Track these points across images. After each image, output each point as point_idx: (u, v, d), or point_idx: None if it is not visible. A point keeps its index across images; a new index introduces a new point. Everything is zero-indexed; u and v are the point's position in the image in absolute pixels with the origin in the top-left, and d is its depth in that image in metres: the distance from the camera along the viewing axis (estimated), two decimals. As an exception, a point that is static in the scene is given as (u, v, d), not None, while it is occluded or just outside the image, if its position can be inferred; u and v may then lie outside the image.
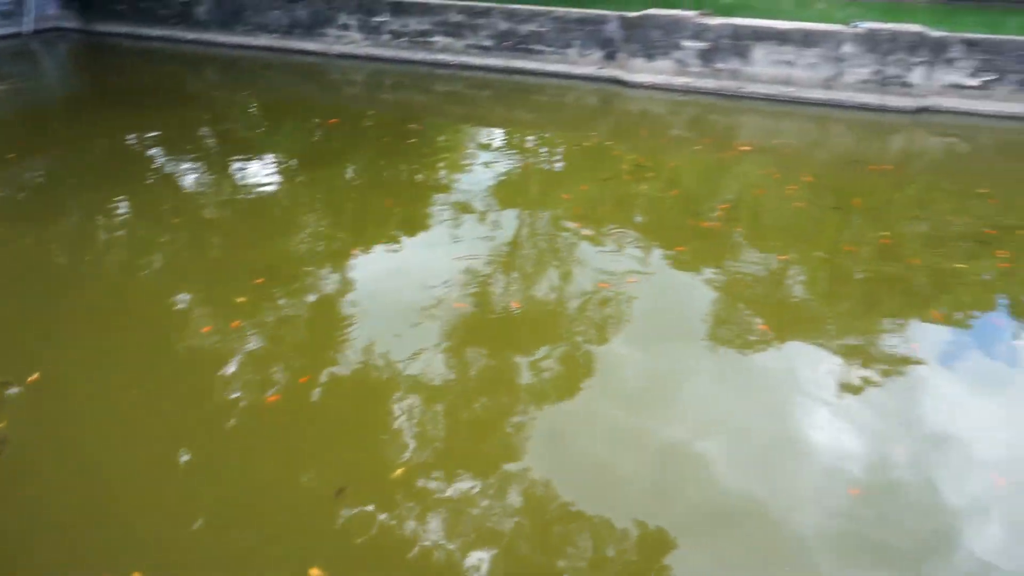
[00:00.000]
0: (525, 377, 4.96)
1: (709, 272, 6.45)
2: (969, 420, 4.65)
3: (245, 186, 8.31)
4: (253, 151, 9.53)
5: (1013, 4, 22.89)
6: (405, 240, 7.00)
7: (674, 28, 11.95)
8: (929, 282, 6.48)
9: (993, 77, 10.87)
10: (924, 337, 5.58)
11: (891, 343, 5.48)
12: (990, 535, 3.81)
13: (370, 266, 6.46)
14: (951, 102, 11.09)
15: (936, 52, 10.95)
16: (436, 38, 13.62)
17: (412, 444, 4.34)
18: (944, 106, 11.10)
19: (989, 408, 4.80)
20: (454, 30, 13.45)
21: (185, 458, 4.21)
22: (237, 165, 9.00)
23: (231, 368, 4.98)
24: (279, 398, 4.68)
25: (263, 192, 8.09)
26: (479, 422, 4.59)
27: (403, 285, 6.05)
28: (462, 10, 13.30)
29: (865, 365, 5.19)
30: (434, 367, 5.01)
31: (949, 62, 10.99)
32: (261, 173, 8.64)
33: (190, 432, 4.41)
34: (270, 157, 9.27)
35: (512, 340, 5.40)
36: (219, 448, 4.34)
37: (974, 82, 10.96)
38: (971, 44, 10.86)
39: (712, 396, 4.82)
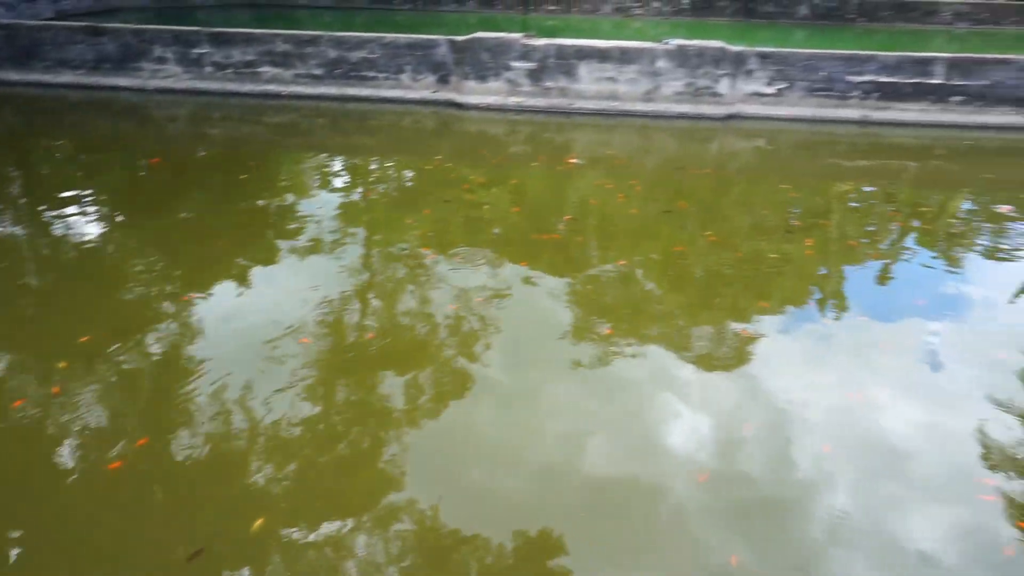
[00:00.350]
0: (389, 407, 4.89)
1: (558, 282, 6.70)
2: (800, 394, 5.13)
3: (60, 238, 7.58)
4: (65, 198, 8.73)
5: (797, 20, 25.68)
6: (247, 280, 6.69)
7: (502, 50, 12.35)
8: (753, 272, 7.10)
9: (785, 85, 12.17)
10: (755, 321, 6.11)
11: (729, 331, 5.95)
12: (828, 501, 4.22)
13: (211, 311, 6.10)
14: (754, 108, 12.29)
15: (737, 65, 12.09)
16: (264, 68, 13.19)
17: (274, 492, 4.14)
18: (749, 112, 12.27)
19: (818, 382, 5.32)
20: (282, 60, 13.10)
21: (16, 549, 3.75)
22: (49, 215, 8.20)
23: (61, 439, 4.51)
24: (121, 464, 4.30)
25: (80, 243, 7.42)
26: (345, 460, 4.46)
27: (248, 327, 5.78)
28: (288, 39, 12.98)
29: (706, 354, 5.61)
30: (291, 408, 4.81)
31: (749, 73, 12.17)
32: (77, 222, 7.92)
33: (18, 514, 3.94)
34: (87, 202, 8.53)
35: (370, 371, 5.30)
36: (54, 527, 3.91)
37: (771, 90, 12.22)
38: (764, 56, 12.11)
39: (575, 402, 4.99)
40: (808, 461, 4.49)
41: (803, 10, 25.52)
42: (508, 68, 12.44)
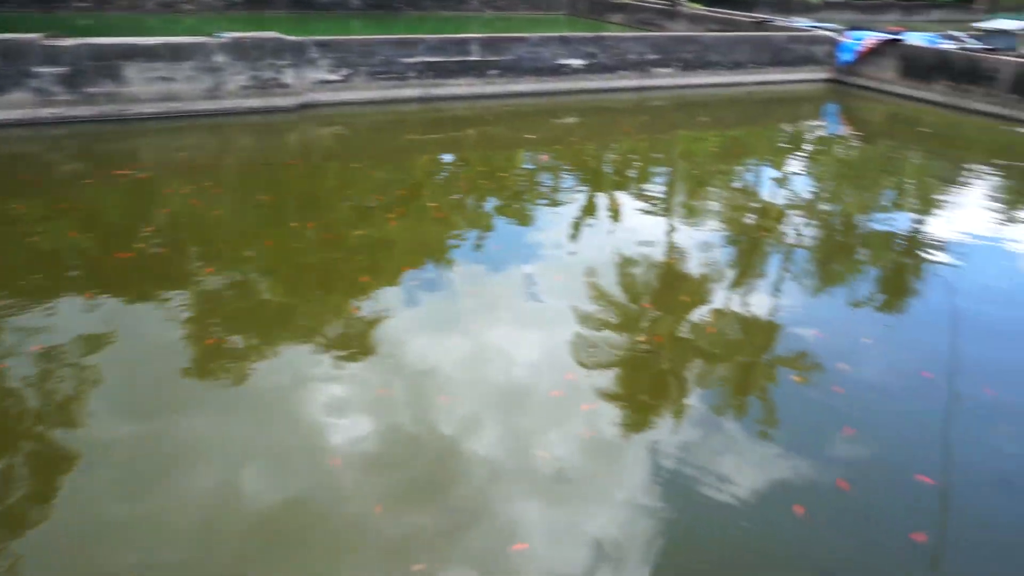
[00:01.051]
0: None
1: (158, 308, 6.00)
2: (432, 353, 5.43)
3: None
4: None
5: (352, 10, 26.70)
6: None
7: (18, 54, 10.41)
8: (356, 251, 7.28)
9: (349, 71, 12.60)
10: (369, 298, 6.28)
11: (348, 313, 6.02)
12: (494, 449, 4.59)
13: None
14: (325, 96, 12.49)
15: (298, 54, 12.11)
16: None
17: None
18: (321, 100, 12.43)
19: (442, 339, 5.70)
20: None
21: None
22: None
23: None
24: None
25: None
26: None
27: None
28: None
29: (336, 339, 5.58)
30: None
31: (312, 62, 12.29)
32: None
33: None
34: None
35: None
36: None
37: (337, 76, 12.54)
38: (322, 45, 12.34)
39: (222, 434, 4.54)
40: (457, 414, 4.82)
41: (355, 0, 26.64)
42: (31, 75, 10.54)
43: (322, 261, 7.01)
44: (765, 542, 3.89)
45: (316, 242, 7.36)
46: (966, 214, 9.21)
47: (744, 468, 4.38)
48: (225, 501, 3.98)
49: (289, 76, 12.09)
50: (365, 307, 6.11)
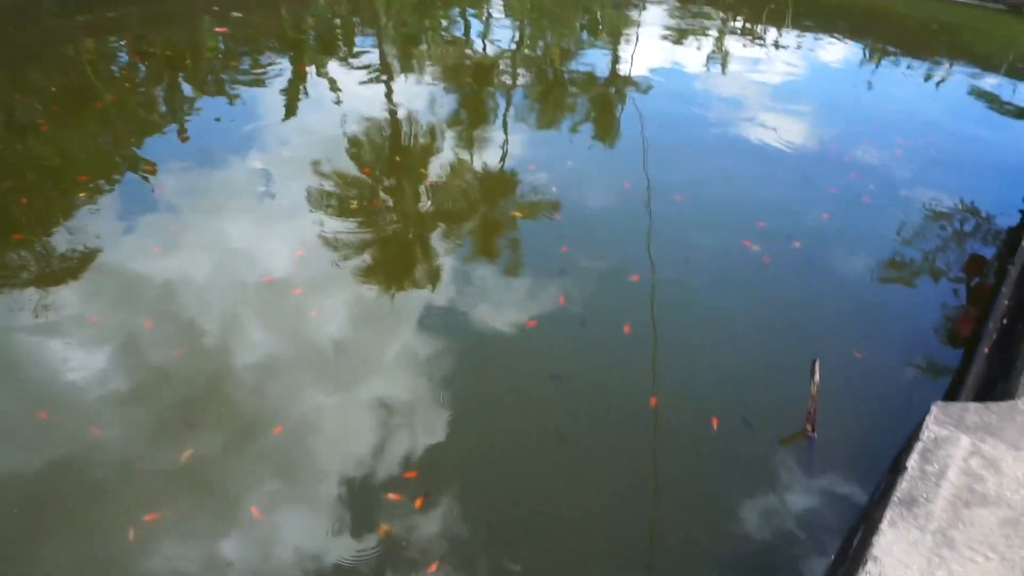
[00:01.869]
0: None
1: None
2: (194, 274, 4.94)
3: None
4: None
5: None
6: None
7: None
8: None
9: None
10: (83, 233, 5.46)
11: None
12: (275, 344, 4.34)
13: None
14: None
15: None
16: None
17: None
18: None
19: (191, 257, 5.17)
20: None
21: None
22: None
23: None
24: None
25: None
26: None
27: None
28: None
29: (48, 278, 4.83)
30: None
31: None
32: None
33: None
34: None
35: None
36: None
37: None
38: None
39: None
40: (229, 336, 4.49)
41: None
42: None
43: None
44: (508, 351, 4.41)
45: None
46: (648, 45, 10.21)
47: (478, 298, 4.77)
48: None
49: None
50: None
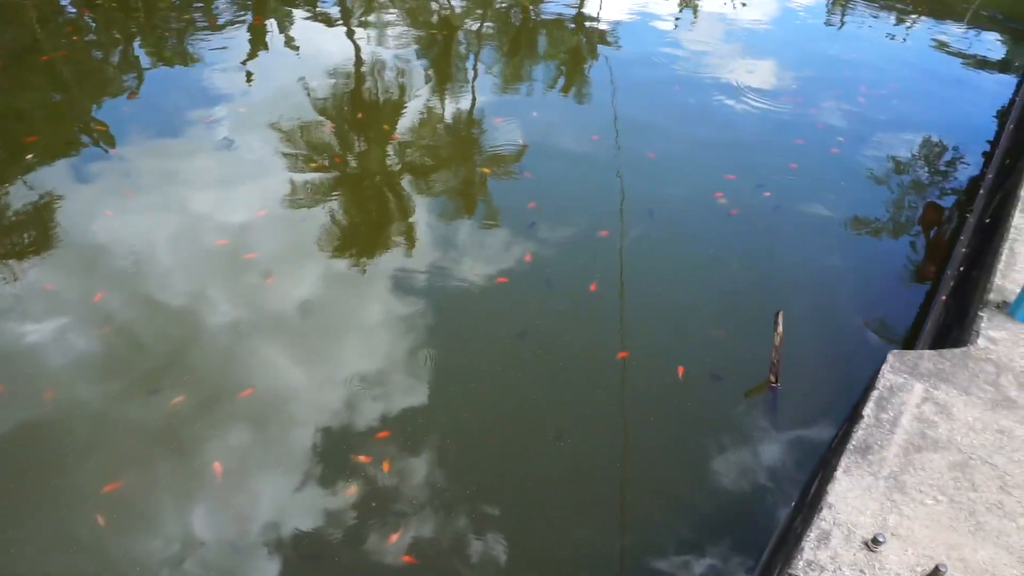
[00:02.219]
0: None
1: None
2: (143, 235, 4.81)
3: None
4: None
5: None
6: None
7: None
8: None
9: None
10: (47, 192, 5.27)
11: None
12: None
13: None
14: None
15: None
16: None
17: None
18: None
19: (156, 219, 5.03)
20: None
21: None
22: None
23: None
24: None
25: None
26: None
27: None
28: None
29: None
30: None
31: None
32: None
33: None
34: None
35: None
36: None
37: None
38: None
39: None
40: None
41: None
42: None
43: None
44: (481, 306, 4.45)
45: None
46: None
47: (457, 255, 4.74)
48: None
49: None
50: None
